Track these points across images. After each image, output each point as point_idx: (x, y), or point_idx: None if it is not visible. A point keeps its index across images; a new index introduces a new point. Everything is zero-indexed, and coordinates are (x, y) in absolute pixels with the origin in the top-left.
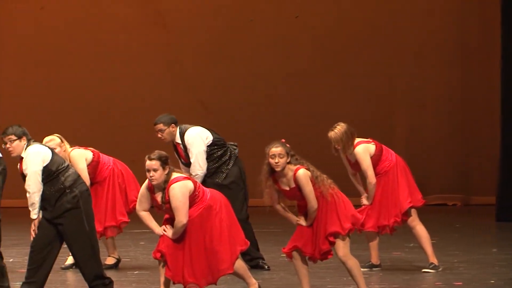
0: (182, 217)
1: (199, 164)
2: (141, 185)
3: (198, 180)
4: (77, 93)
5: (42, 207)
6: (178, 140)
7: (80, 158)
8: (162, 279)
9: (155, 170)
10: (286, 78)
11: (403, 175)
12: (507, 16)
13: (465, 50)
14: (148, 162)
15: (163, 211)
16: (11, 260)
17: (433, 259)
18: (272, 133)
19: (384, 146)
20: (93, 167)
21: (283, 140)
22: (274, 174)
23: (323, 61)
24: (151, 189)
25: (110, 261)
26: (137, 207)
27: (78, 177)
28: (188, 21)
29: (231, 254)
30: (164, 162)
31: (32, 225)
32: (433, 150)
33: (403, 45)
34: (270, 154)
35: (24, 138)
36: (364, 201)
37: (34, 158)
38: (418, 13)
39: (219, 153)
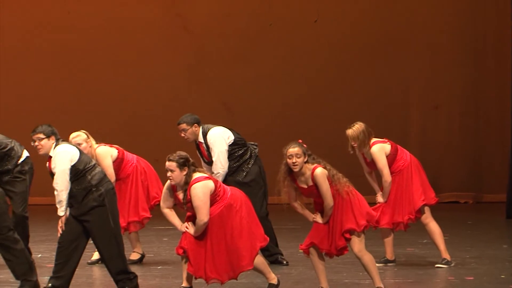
0: (203, 216)
1: (220, 163)
2: (163, 183)
3: (220, 179)
4: (102, 95)
5: (69, 204)
6: (200, 139)
7: (106, 155)
8: (184, 275)
9: (172, 171)
10: (304, 81)
11: (417, 174)
12: None
13: (477, 53)
14: (167, 163)
15: (185, 209)
16: (39, 255)
17: (445, 255)
18: (290, 133)
19: (399, 146)
20: (117, 164)
21: (300, 141)
22: (292, 173)
23: (339, 65)
24: (174, 188)
25: (134, 256)
26: (161, 204)
27: (104, 176)
28: (210, 25)
29: (251, 251)
30: (181, 164)
31: (60, 222)
32: (445, 149)
33: (416, 49)
34: (288, 154)
35: (53, 137)
36: (379, 199)
37: (63, 157)
38: (431, 18)
39: (240, 152)
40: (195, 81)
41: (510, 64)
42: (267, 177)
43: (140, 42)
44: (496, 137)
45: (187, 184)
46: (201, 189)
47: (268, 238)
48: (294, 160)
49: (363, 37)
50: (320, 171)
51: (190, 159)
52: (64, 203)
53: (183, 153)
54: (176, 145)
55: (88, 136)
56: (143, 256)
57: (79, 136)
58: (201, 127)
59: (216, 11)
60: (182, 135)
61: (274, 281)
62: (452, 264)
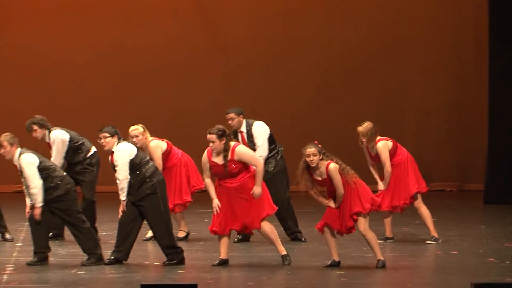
0: (258, 159)
1: (263, 148)
2: (201, 174)
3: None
4: (155, 103)
5: (128, 192)
6: (243, 129)
7: (157, 148)
8: (222, 249)
9: (213, 142)
10: (319, 90)
11: (412, 167)
12: (493, 47)
13: (461, 70)
14: (208, 136)
15: (225, 171)
16: (104, 233)
17: (434, 233)
18: (308, 134)
19: (398, 144)
20: (166, 155)
21: (316, 142)
22: (310, 168)
23: (348, 77)
24: (210, 155)
25: (181, 234)
26: (204, 175)
27: (156, 168)
28: (240, 43)
29: (260, 215)
30: (220, 135)
31: (121, 206)
32: (435, 147)
33: (411, 65)
34: (306, 153)
35: (116, 136)
36: (380, 187)
37: (123, 153)
38: (423, 43)
39: (271, 146)
40: (229, 89)
41: (487, 79)
42: (288, 169)
43: (183, 58)
44: (475, 138)
45: (226, 150)
46: (242, 147)
47: (276, 207)
48: (311, 158)
49: (366, 57)
50: (333, 166)
51: (227, 130)
52: (125, 190)
53: (221, 126)
54: (198, 133)
55: (144, 130)
56: (188, 234)
57: (137, 129)
58: (244, 120)
59: (246, 31)
60: (229, 122)
61: (283, 253)
62: (440, 241)
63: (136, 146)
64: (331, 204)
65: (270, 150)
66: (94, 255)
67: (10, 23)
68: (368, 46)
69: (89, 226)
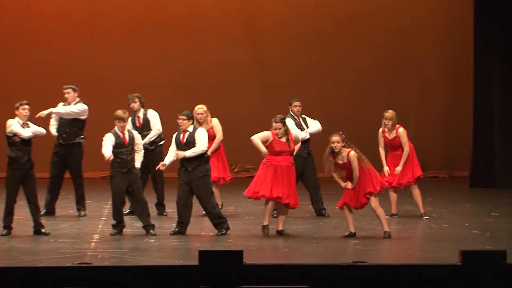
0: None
1: (307, 132)
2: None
3: (301, 136)
4: (215, 105)
5: (184, 168)
6: (304, 116)
7: (218, 122)
8: (267, 215)
9: (279, 129)
10: (345, 99)
11: (415, 155)
12: (477, 62)
13: (452, 82)
14: (274, 124)
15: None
16: (170, 210)
17: (422, 210)
18: (333, 127)
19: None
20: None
21: (340, 132)
22: (334, 153)
23: (366, 87)
24: (274, 137)
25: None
26: (257, 136)
27: (208, 156)
28: (278, 56)
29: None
30: (284, 123)
31: (180, 154)
32: (431, 142)
33: (413, 78)
34: (332, 140)
35: (191, 120)
36: (385, 169)
37: (205, 135)
38: (422, 59)
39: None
40: (268, 99)
41: (472, 87)
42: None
43: (230, 73)
44: (463, 135)
45: (287, 134)
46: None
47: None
48: (335, 145)
49: (380, 70)
50: (352, 154)
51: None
52: (192, 156)
53: (282, 116)
54: (243, 140)
55: (207, 109)
56: (221, 205)
57: (202, 108)
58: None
59: (282, 49)
60: (298, 108)
61: (266, 222)
62: (428, 217)
63: (200, 122)
64: (348, 185)
65: (306, 141)
66: (150, 226)
67: None
68: (380, 63)
69: (147, 204)
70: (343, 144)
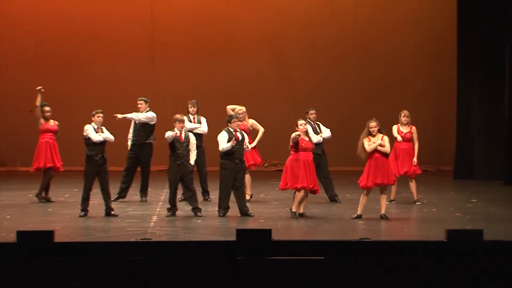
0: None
1: (324, 137)
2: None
3: (315, 140)
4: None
5: (229, 161)
6: (318, 123)
7: (256, 122)
8: (295, 202)
9: (376, 127)
10: (352, 107)
11: None
12: (460, 80)
13: (441, 95)
14: (372, 123)
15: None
16: (213, 196)
17: (416, 197)
18: (349, 134)
19: None
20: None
21: (374, 118)
22: (370, 135)
23: (371, 98)
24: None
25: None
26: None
27: None
28: (299, 74)
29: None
30: (378, 124)
31: (235, 140)
32: (422, 142)
33: (407, 91)
34: (370, 124)
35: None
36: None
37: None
38: (413, 77)
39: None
40: (286, 99)
41: (455, 100)
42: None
43: (262, 88)
44: (449, 137)
45: (381, 132)
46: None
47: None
48: (373, 129)
49: (381, 86)
50: (386, 138)
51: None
52: (226, 149)
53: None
54: (273, 133)
55: (245, 110)
56: (251, 196)
57: (242, 108)
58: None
59: (306, 67)
60: (314, 116)
61: (294, 209)
62: (419, 203)
63: (240, 120)
64: (382, 148)
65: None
66: (197, 209)
67: None
68: (381, 81)
69: (195, 191)
70: (378, 128)
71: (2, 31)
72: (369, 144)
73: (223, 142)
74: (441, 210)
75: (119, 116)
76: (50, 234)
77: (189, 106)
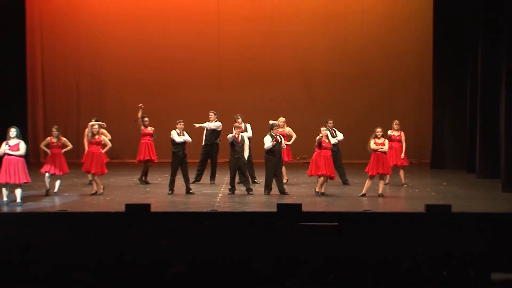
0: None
1: (338, 139)
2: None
3: (333, 142)
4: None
5: (272, 154)
6: (334, 129)
7: (292, 130)
8: (319, 182)
9: (398, 125)
10: (360, 116)
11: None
12: (435, 92)
13: (420, 103)
14: (378, 129)
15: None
16: (261, 180)
17: (404, 181)
18: (359, 131)
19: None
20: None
21: (379, 126)
22: (376, 137)
23: (373, 111)
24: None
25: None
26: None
27: None
28: (321, 92)
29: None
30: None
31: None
32: (407, 142)
33: (397, 103)
34: (377, 130)
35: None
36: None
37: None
38: (403, 92)
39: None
40: (315, 118)
41: (431, 109)
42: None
43: (292, 104)
44: (427, 136)
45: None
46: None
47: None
48: (378, 133)
49: (380, 99)
50: (386, 141)
51: None
52: (269, 147)
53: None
54: (302, 137)
55: (284, 120)
56: (287, 180)
57: (283, 119)
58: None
59: (323, 88)
60: (332, 124)
61: (317, 189)
62: (406, 185)
63: (281, 127)
64: (383, 149)
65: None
66: (250, 190)
67: None
68: (380, 95)
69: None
70: (382, 133)
71: (113, 65)
72: (375, 143)
73: (267, 142)
74: (421, 191)
75: (196, 125)
76: (148, 206)
77: (236, 118)
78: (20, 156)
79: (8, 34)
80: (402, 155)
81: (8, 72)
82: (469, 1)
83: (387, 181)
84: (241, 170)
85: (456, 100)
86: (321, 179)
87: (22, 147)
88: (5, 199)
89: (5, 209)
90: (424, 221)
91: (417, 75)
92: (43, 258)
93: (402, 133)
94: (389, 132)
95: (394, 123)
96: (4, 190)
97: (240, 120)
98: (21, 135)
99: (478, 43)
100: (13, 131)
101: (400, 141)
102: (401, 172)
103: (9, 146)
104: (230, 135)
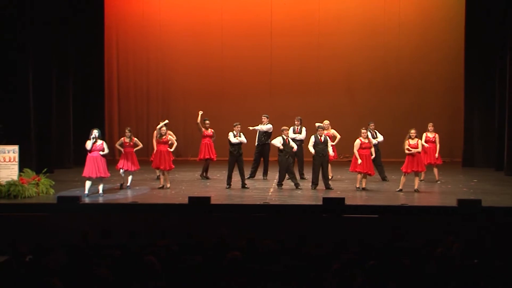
0: None
1: (379, 141)
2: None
3: (374, 142)
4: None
5: (320, 155)
6: (375, 131)
7: (336, 132)
8: (359, 178)
9: (365, 134)
10: (394, 119)
11: None
12: (467, 99)
13: (453, 111)
14: (412, 131)
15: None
16: (307, 177)
17: (437, 178)
18: (389, 133)
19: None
20: None
21: (414, 128)
22: (410, 138)
23: (399, 104)
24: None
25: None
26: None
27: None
28: (363, 98)
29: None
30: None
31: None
32: (441, 143)
33: (432, 110)
34: (411, 132)
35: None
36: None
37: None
38: (434, 101)
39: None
40: (358, 121)
41: (463, 112)
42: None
43: (337, 110)
44: (458, 139)
45: (417, 137)
46: None
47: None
48: (412, 134)
49: (411, 107)
50: (420, 141)
51: None
52: (312, 147)
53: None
54: (346, 137)
55: (329, 123)
56: (332, 176)
57: (327, 122)
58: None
59: (364, 94)
60: (372, 127)
61: (358, 185)
62: (442, 181)
63: (325, 129)
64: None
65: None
66: (280, 185)
67: None
68: (415, 102)
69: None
70: (416, 134)
71: (178, 74)
72: (409, 144)
73: (311, 143)
74: (453, 186)
75: (251, 128)
76: (208, 199)
77: (295, 121)
78: (104, 155)
79: (90, 50)
80: (436, 154)
81: (90, 81)
82: (499, 12)
83: (422, 178)
84: (289, 167)
85: (485, 105)
86: (359, 175)
87: (106, 147)
88: (86, 192)
89: (86, 200)
90: (457, 214)
91: (450, 83)
92: (119, 243)
93: (436, 134)
94: (424, 134)
95: (429, 125)
96: (87, 184)
97: (298, 122)
98: (101, 136)
99: (507, 51)
100: (95, 132)
101: (434, 142)
102: (435, 170)
103: (94, 145)
104: (275, 140)
